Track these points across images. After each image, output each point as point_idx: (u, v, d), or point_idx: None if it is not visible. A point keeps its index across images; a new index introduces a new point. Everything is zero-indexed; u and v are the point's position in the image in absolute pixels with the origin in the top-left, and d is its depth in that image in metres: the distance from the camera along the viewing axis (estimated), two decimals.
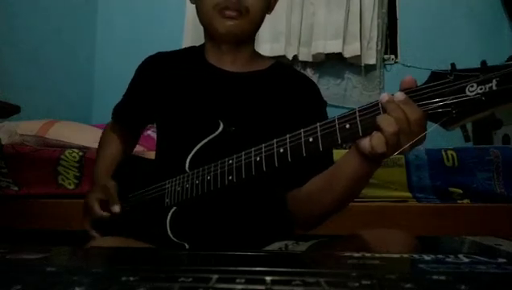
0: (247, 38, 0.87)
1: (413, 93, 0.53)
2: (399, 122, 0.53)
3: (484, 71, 0.49)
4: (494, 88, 0.48)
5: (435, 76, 0.52)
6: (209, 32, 0.86)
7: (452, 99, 0.50)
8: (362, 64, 2.54)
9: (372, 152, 0.55)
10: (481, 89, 0.48)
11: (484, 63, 0.49)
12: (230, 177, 0.67)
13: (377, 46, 2.55)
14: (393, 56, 2.64)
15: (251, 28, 0.84)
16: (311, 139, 0.59)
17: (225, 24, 0.80)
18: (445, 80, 0.51)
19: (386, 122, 0.53)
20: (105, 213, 0.83)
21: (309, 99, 0.88)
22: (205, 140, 0.76)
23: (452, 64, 0.52)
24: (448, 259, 0.38)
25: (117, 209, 0.82)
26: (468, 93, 0.49)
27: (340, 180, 0.67)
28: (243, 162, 0.66)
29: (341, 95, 2.62)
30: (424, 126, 0.54)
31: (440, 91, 0.51)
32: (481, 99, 0.48)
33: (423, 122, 0.54)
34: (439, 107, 0.51)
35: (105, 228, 0.85)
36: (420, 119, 0.53)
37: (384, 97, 0.55)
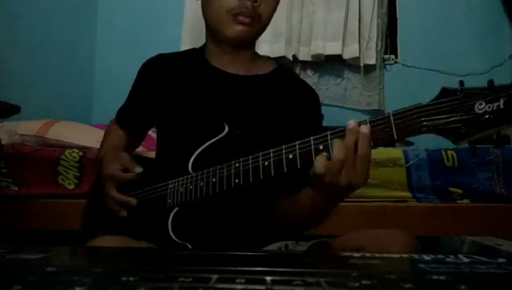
0: (252, 42, 0.88)
1: (423, 108, 0.55)
2: (348, 151, 0.56)
3: (492, 90, 0.51)
4: (502, 106, 0.50)
5: (444, 92, 0.54)
6: (215, 34, 0.85)
7: (462, 116, 0.52)
8: (362, 64, 2.54)
9: (312, 172, 0.58)
10: (489, 107, 0.50)
11: (491, 82, 0.51)
12: (237, 180, 0.68)
13: (376, 46, 2.55)
14: (393, 56, 2.64)
15: (259, 34, 0.86)
16: (321, 147, 0.60)
17: (236, 29, 0.80)
18: (455, 98, 0.53)
19: (337, 147, 0.57)
20: (129, 174, 0.82)
21: (309, 109, 0.89)
22: (210, 142, 0.76)
23: (461, 82, 0.54)
24: (448, 259, 0.38)
25: (139, 169, 0.81)
26: (476, 110, 0.51)
27: (299, 205, 0.73)
28: (250, 166, 0.66)
29: (341, 95, 2.62)
30: (367, 169, 0.58)
31: (450, 107, 0.53)
32: (489, 117, 0.50)
33: (367, 161, 0.57)
34: (449, 123, 0.53)
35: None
36: (367, 157, 0.56)
37: (350, 123, 0.57)
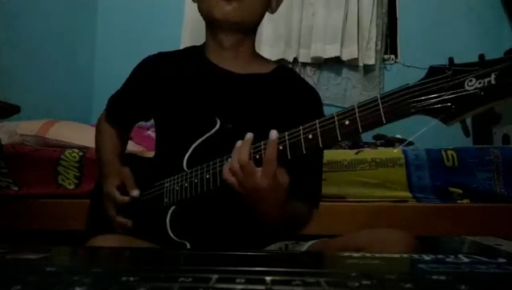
0: (246, 28, 0.86)
1: (412, 88, 0.53)
2: (236, 174, 0.64)
3: (482, 65, 0.49)
4: (493, 82, 0.47)
5: (433, 71, 0.52)
6: (209, 22, 0.85)
7: (451, 94, 0.50)
8: (361, 64, 2.54)
9: None
10: (479, 83, 0.48)
11: (482, 57, 0.49)
12: None
13: (376, 46, 2.55)
14: (393, 56, 2.64)
15: (249, 17, 0.83)
16: (310, 136, 0.60)
17: (224, 9, 0.79)
18: (444, 76, 0.51)
19: (225, 171, 0.66)
20: (126, 198, 0.83)
21: (309, 109, 0.88)
22: (202, 138, 0.76)
23: (450, 59, 0.51)
24: (448, 259, 0.38)
25: (135, 193, 0.82)
26: (467, 87, 0.49)
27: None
28: None
29: (341, 95, 2.62)
30: (255, 181, 0.64)
31: (439, 86, 0.51)
32: (480, 94, 0.48)
33: (255, 176, 0.63)
34: (439, 102, 0.51)
35: (127, 215, 0.85)
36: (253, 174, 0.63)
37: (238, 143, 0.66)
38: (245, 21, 0.83)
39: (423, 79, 0.53)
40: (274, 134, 0.62)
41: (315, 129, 0.59)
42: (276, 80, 0.89)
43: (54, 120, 1.74)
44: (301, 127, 0.61)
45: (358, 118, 0.56)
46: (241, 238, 0.78)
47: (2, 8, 1.87)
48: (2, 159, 1.43)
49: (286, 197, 0.69)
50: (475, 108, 0.49)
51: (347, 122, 0.57)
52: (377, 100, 0.55)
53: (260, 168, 0.63)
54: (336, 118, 0.58)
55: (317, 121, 0.60)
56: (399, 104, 0.53)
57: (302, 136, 0.61)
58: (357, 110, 0.56)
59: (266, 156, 0.62)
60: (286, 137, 0.62)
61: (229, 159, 0.66)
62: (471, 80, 0.49)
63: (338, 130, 0.57)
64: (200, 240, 0.73)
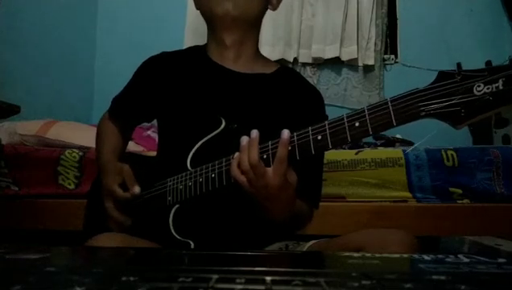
0: (246, 24, 0.86)
1: (421, 92, 0.54)
2: (247, 173, 0.63)
3: (490, 71, 0.50)
4: (501, 87, 0.49)
5: (442, 75, 0.54)
6: (210, 20, 0.86)
7: (460, 99, 0.51)
8: (361, 65, 2.54)
9: None
10: (488, 88, 0.50)
11: (489, 63, 0.51)
12: None
13: (375, 46, 2.55)
14: (393, 56, 2.64)
15: (248, 11, 0.84)
16: (319, 137, 0.60)
17: (224, 5, 0.80)
18: (453, 80, 0.52)
19: (233, 172, 0.65)
20: (128, 195, 0.81)
21: (312, 109, 0.88)
22: (207, 137, 0.76)
23: (459, 64, 0.53)
24: (447, 259, 0.38)
25: (137, 189, 0.80)
26: (475, 92, 0.50)
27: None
28: None
29: (341, 95, 2.62)
30: (266, 182, 0.63)
31: (448, 91, 0.52)
32: (489, 98, 0.49)
33: (266, 177, 0.63)
34: (448, 106, 0.52)
35: (127, 212, 0.84)
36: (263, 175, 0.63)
37: (243, 139, 0.65)
38: (245, 15, 0.84)
39: (432, 83, 0.54)
40: (286, 133, 0.62)
41: (325, 130, 0.60)
42: (279, 80, 0.89)
43: (54, 120, 1.74)
44: (310, 128, 0.62)
45: (368, 120, 0.57)
46: (243, 237, 0.78)
47: (2, 8, 1.87)
48: (2, 159, 1.43)
49: (295, 196, 0.69)
50: (483, 112, 0.51)
51: (357, 124, 0.57)
52: (387, 102, 0.56)
53: (270, 168, 0.63)
54: (345, 120, 0.59)
55: (326, 122, 0.60)
56: (409, 107, 0.54)
57: (311, 137, 0.61)
58: (367, 112, 0.57)
59: (277, 155, 0.62)
60: (295, 137, 0.62)
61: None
62: (479, 86, 0.50)
63: (348, 132, 0.58)
64: (203, 239, 0.73)
